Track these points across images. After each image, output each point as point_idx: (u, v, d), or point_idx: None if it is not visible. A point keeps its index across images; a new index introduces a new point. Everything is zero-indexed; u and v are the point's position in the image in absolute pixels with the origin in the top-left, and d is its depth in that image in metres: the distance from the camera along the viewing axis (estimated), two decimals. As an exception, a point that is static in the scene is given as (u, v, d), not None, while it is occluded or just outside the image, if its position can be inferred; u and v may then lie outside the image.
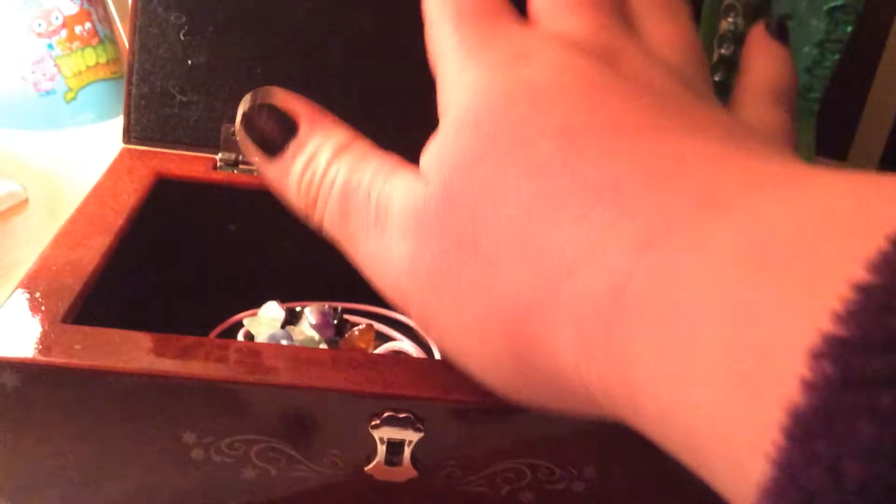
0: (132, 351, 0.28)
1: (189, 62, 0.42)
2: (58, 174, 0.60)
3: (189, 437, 0.28)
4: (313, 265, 0.43)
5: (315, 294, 0.42)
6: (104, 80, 0.68)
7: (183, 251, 0.41)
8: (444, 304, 0.24)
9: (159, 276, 0.40)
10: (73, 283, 0.31)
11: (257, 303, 0.41)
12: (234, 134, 0.43)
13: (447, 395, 0.29)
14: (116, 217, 0.36)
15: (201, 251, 0.41)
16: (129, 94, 0.43)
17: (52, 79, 0.65)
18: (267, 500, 0.30)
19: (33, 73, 0.65)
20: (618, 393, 0.20)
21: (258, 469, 0.29)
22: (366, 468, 0.29)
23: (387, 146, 0.28)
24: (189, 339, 0.29)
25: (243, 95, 0.43)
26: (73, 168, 0.61)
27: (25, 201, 0.56)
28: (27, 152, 0.63)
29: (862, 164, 0.61)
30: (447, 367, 0.30)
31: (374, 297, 0.35)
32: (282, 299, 0.41)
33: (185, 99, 0.42)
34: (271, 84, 0.29)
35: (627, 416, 0.20)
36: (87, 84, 0.67)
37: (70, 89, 0.66)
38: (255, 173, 0.43)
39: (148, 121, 0.43)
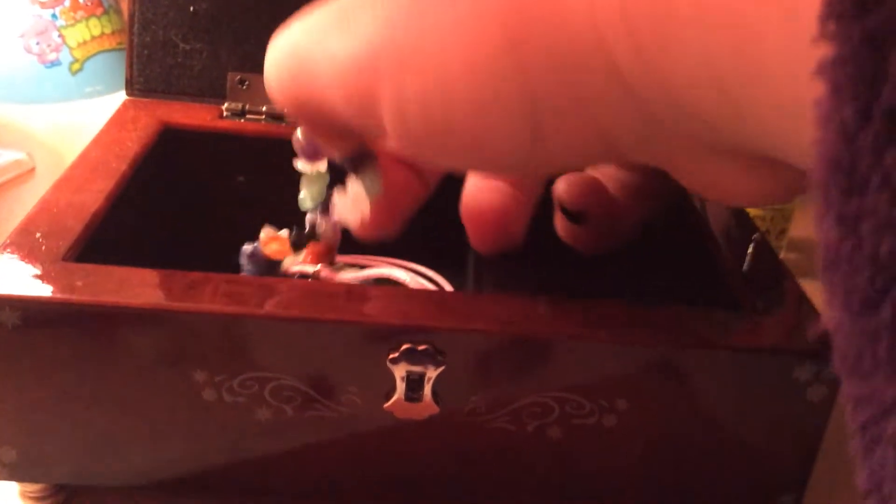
0: (137, 287, 0.27)
1: (191, 9, 0.41)
2: (65, 143, 0.59)
3: (200, 376, 0.27)
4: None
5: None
6: (110, 50, 0.67)
7: (189, 199, 0.39)
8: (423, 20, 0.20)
9: (164, 223, 0.39)
10: (75, 225, 0.30)
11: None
12: (239, 82, 0.42)
13: (468, 325, 0.27)
14: (120, 163, 0.35)
15: (208, 200, 0.40)
16: (130, 45, 0.41)
17: (56, 49, 0.64)
18: (284, 443, 0.29)
19: (38, 44, 0.63)
20: (642, 26, 0.17)
21: (273, 408, 0.28)
22: (385, 405, 0.28)
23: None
24: (196, 275, 0.28)
25: (248, 42, 0.42)
26: (80, 137, 0.59)
27: (32, 170, 0.55)
28: (34, 124, 0.62)
29: None
30: (467, 298, 0.29)
31: (383, 249, 0.33)
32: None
33: (188, 47, 0.41)
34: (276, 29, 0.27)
35: (657, 67, 0.17)
36: (93, 55, 0.66)
37: (76, 60, 0.65)
38: (263, 121, 0.41)
39: (151, 71, 0.41)
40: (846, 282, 0.12)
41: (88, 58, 0.66)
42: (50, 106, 0.64)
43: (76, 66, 0.65)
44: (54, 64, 0.64)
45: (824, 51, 0.12)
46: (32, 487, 0.30)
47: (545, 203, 0.31)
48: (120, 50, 0.68)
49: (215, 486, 0.30)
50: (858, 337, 0.12)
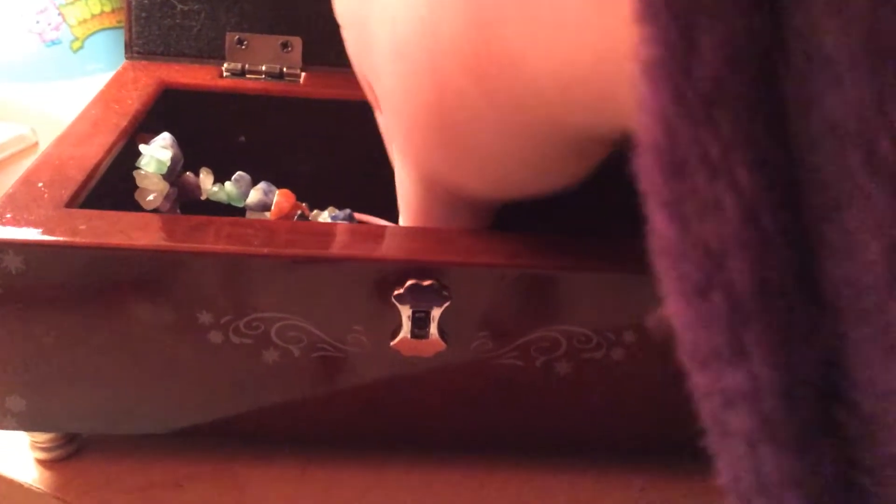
0: (140, 230, 0.27)
1: (188, -32, 0.41)
2: (68, 119, 0.59)
3: (205, 318, 0.27)
4: (326, 175, 0.42)
5: (327, 204, 0.41)
6: (111, 28, 0.67)
7: (191, 157, 0.39)
8: None
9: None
10: (77, 175, 0.30)
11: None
12: (238, 42, 0.41)
13: (473, 260, 0.27)
14: (121, 119, 0.35)
15: (209, 160, 0.40)
16: (129, 7, 0.41)
17: (57, 28, 0.64)
18: (292, 385, 0.29)
19: (38, 23, 0.63)
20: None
21: (280, 350, 0.28)
22: (391, 343, 0.28)
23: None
24: (199, 218, 0.28)
25: (246, 1, 0.42)
26: (83, 113, 0.60)
27: (35, 145, 0.55)
28: (37, 102, 0.62)
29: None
30: (471, 234, 0.28)
31: (386, 208, 0.33)
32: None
33: (185, 8, 0.41)
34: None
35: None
36: (94, 33, 0.66)
37: (76, 38, 0.65)
38: (263, 80, 0.41)
39: (150, 33, 0.41)
40: (676, 268, 0.12)
41: (89, 36, 0.66)
42: (52, 84, 0.64)
43: (77, 44, 0.65)
44: (55, 42, 0.64)
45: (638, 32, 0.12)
46: (42, 437, 0.30)
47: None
48: (120, 28, 0.68)
49: (225, 431, 0.30)
50: (694, 324, 0.12)
